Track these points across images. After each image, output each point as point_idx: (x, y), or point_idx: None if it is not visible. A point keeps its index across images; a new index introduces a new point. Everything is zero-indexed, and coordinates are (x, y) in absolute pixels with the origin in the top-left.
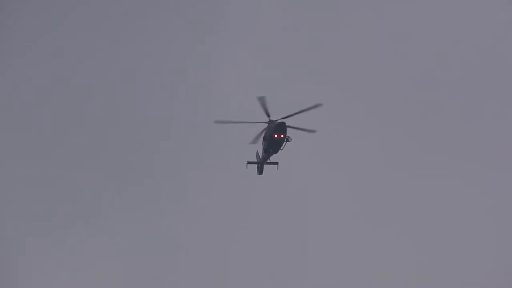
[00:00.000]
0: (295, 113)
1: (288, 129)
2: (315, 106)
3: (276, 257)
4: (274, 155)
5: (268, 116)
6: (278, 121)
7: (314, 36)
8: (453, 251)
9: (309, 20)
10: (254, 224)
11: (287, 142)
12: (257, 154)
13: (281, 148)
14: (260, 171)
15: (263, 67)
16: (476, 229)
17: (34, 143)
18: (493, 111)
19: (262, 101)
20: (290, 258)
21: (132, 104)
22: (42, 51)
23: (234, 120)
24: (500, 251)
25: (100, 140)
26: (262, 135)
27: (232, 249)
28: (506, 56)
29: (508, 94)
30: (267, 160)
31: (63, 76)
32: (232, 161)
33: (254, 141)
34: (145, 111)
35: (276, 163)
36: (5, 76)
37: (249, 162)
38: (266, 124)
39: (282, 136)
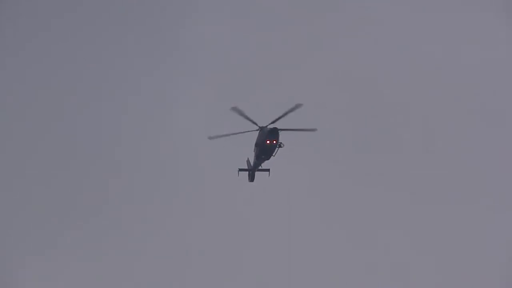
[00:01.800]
0: (279, 117)
1: (288, 132)
2: (296, 107)
3: (265, 264)
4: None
5: (254, 123)
6: (269, 127)
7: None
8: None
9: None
10: (246, 231)
11: (279, 148)
12: (248, 161)
13: (273, 154)
14: (252, 178)
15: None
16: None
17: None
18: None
19: (237, 111)
20: (279, 264)
21: (128, 106)
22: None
23: (226, 133)
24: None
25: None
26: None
27: (224, 254)
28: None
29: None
30: (258, 166)
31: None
32: (224, 168)
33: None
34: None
35: (268, 170)
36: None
37: (240, 169)
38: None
39: (274, 141)
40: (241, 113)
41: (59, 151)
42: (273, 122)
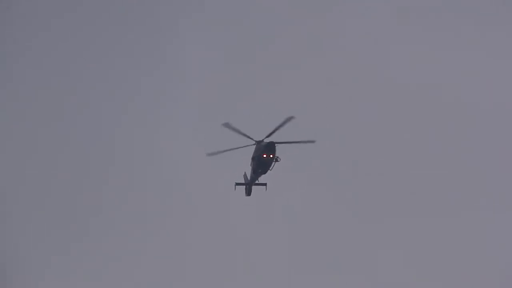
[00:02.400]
0: (273, 131)
1: (285, 145)
2: (288, 120)
3: (263, 277)
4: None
5: (250, 138)
6: (266, 140)
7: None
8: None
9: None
10: (242, 247)
11: (276, 162)
12: (245, 175)
13: (270, 168)
14: (248, 192)
15: None
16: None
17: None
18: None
19: (229, 126)
20: (278, 275)
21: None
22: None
23: (224, 150)
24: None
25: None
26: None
27: (220, 270)
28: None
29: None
30: (255, 181)
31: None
32: (223, 168)
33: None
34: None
35: (265, 184)
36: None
37: (237, 184)
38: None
39: (271, 156)
40: (235, 129)
41: (59, 151)
42: (268, 136)
